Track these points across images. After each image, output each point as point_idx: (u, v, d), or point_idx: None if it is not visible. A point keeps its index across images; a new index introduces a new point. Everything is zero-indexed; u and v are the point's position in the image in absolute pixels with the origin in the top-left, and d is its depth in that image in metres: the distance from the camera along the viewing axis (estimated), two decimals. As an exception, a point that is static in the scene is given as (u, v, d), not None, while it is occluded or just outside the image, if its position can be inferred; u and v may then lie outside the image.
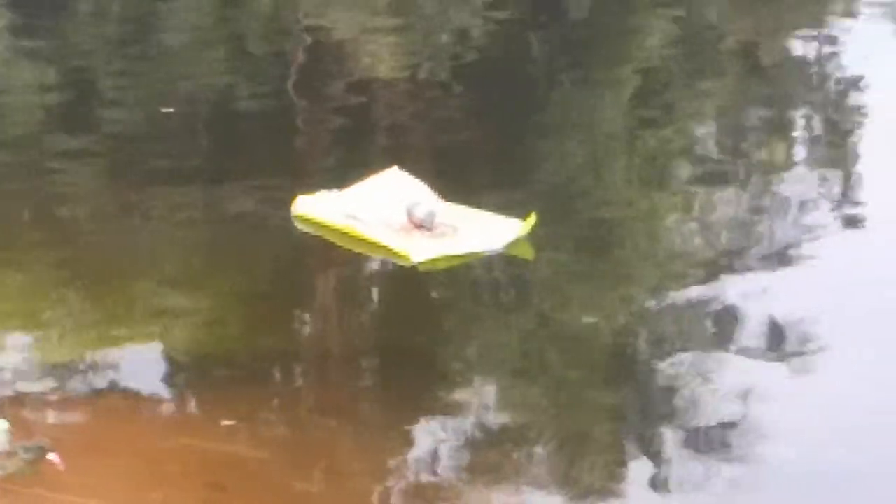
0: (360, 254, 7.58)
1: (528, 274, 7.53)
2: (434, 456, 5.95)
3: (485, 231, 7.52)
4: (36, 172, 8.43)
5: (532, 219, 7.49)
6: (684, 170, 9.04)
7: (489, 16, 11.58)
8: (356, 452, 5.98)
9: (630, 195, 8.61)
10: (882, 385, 6.43)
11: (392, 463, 5.93)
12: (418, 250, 7.31)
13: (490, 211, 7.71)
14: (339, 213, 7.58)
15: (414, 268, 7.27)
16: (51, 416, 6.03)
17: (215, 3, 11.71)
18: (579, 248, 7.72)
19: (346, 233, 7.53)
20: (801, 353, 6.82)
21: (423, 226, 7.49)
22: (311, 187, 7.85)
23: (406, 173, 7.80)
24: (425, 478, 5.83)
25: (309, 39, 11.10)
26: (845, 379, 6.56)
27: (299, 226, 7.63)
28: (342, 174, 8.05)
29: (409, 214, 7.52)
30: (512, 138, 9.11)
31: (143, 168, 8.52)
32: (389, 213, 7.53)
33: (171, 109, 9.31)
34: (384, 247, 7.40)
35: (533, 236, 7.51)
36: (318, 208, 7.65)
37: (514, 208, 7.71)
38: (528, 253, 7.50)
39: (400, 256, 7.34)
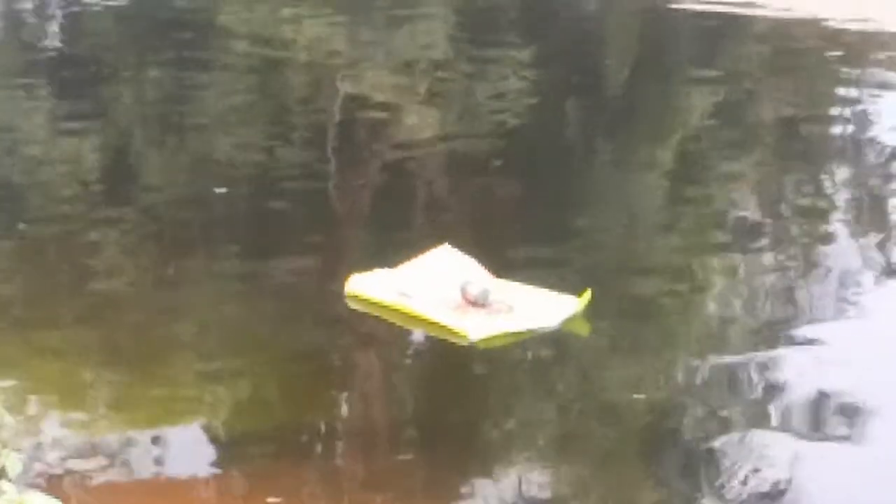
0: (407, 330, 7.56)
1: (573, 348, 7.52)
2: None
3: (540, 308, 7.48)
4: (77, 248, 8.48)
5: (587, 295, 7.45)
6: (726, 242, 9.03)
7: (526, 79, 11.71)
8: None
9: (672, 269, 8.58)
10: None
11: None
12: (475, 328, 7.27)
13: (540, 286, 7.67)
14: (393, 291, 7.54)
15: (472, 346, 7.25)
16: (96, 494, 6.04)
17: (253, 76, 11.93)
18: (623, 322, 7.70)
19: (400, 311, 7.49)
20: (850, 424, 6.81)
21: (477, 303, 7.45)
22: (356, 263, 7.85)
23: (457, 251, 7.77)
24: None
25: (346, 110, 11.14)
26: (888, 442, 6.59)
27: (352, 305, 7.60)
28: (387, 250, 8.07)
29: (464, 292, 7.48)
30: (553, 212, 9.11)
31: (184, 246, 8.55)
32: (443, 291, 7.49)
33: (224, 189, 9.32)
34: (441, 325, 7.36)
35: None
36: (371, 287, 7.60)
37: (560, 283, 7.71)
38: (583, 329, 7.49)
39: (457, 335, 7.28)
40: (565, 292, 7.63)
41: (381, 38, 12.86)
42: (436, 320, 7.42)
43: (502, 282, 7.69)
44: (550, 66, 12.19)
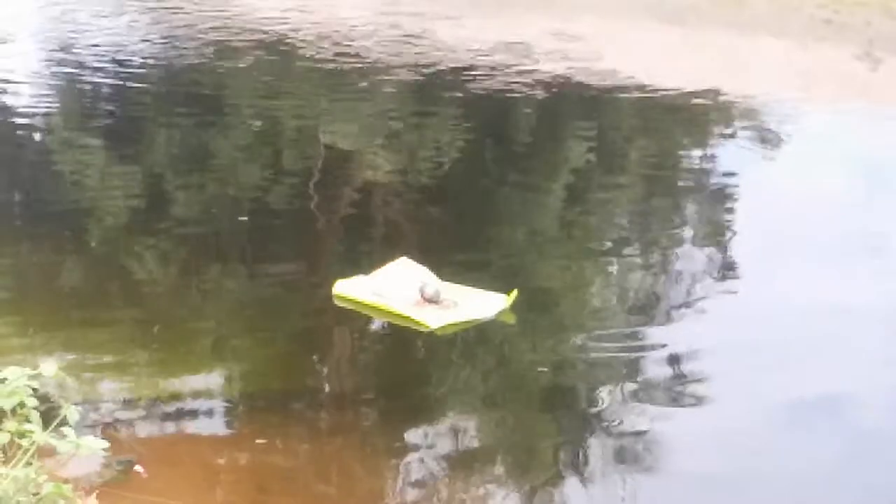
0: (381, 320, 7.43)
1: (502, 333, 7.39)
2: (419, 464, 5.91)
3: (480, 304, 7.40)
4: (124, 254, 8.34)
5: (514, 293, 7.41)
6: (604, 250, 8.99)
7: (454, 134, 11.60)
8: (360, 461, 5.93)
9: (564, 271, 8.54)
10: (754, 402, 6.55)
11: (386, 468, 5.90)
12: (433, 319, 7.21)
13: (473, 286, 7.59)
14: (369, 292, 7.44)
15: (432, 332, 7.18)
16: (137, 437, 5.97)
17: (257, 128, 11.77)
18: (530, 312, 7.59)
19: (375, 307, 7.39)
20: (693, 383, 6.81)
21: (432, 301, 7.37)
22: (339, 272, 7.70)
23: (413, 262, 7.71)
24: (411, 477, 5.81)
25: (325, 154, 11.05)
26: (727, 403, 6.58)
27: (338, 303, 7.47)
28: (361, 262, 7.94)
29: (421, 292, 7.40)
30: (479, 232, 9.08)
31: (207, 257, 8.39)
32: (406, 292, 7.40)
33: (246, 218, 9.14)
34: (407, 317, 7.27)
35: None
36: (351, 289, 7.50)
37: (486, 284, 7.64)
38: (511, 319, 7.41)
39: (420, 324, 7.22)
40: (493, 290, 7.54)
41: (351, 105, 12.78)
42: (403, 313, 7.32)
43: (448, 284, 7.59)
44: (474, 123, 12.16)
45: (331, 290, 7.53)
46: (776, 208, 9.68)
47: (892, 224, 9.37)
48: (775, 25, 17.13)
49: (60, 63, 13.77)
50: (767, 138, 12.06)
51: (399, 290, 7.45)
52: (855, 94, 13.86)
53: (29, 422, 3.86)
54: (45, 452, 3.99)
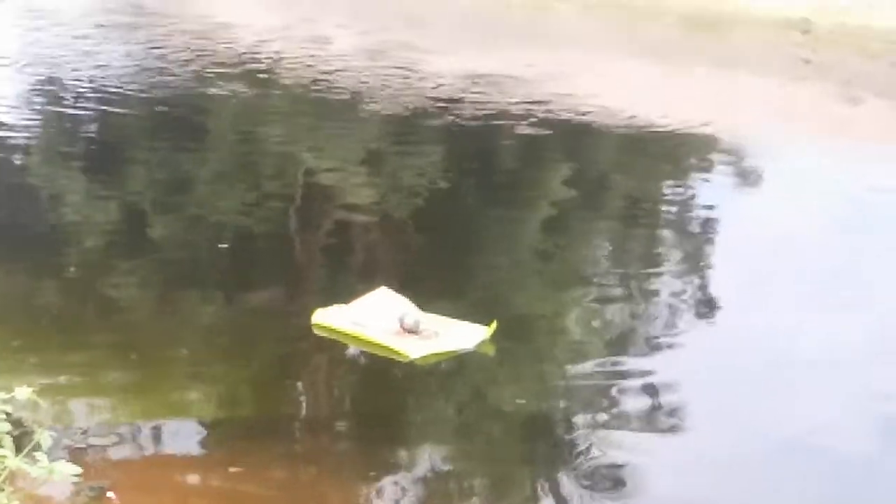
0: (360, 349, 7.39)
1: (481, 364, 7.36)
2: (396, 495, 5.85)
3: (459, 334, 7.38)
4: (101, 283, 8.25)
5: (494, 325, 7.39)
6: (585, 281, 8.93)
7: (436, 165, 11.62)
8: (336, 490, 5.88)
9: (545, 302, 8.49)
10: (735, 435, 6.54)
11: (362, 499, 5.85)
12: (413, 350, 7.18)
13: (454, 317, 7.56)
14: (348, 322, 7.40)
15: (411, 362, 7.14)
16: (110, 463, 5.91)
17: (237, 152, 11.75)
18: (510, 343, 7.53)
19: (354, 336, 7.35)
20: (674, 415, 6.76)
21: (412, 331, 7.33)
22: (318, 301, 7.66)
23: (392, 291, 7.69)
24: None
25: (306, 183, 11.01)
26: (708, 434, 6.56)
27: (317, 332, 7.42)
28: (341, 291, 7.87)
29: (401, 322, 7.36)
30: (458, 261, 9.03)
31: (184, 282, 8.31)
32: (386, 322, 7.36)
33: (226, 245, 9.10)
34: (387, 347, 7.23)
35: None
36: (331, 318, 7.46)
37: (466, 314, 7.60)
38: (491, 350, 7.38)
39: (400, 354, 7.18)
40: (473, 321, 7.51)
41: (333, 134, 12.77)
42: (383, 343, 7.28)
43: (429, 314, 7.55)
44: (456, 154, 12.17)
45: (310, 320, 7.48)
46: (756, 242, 9.71)
47: (871, 258, 9.41)
48: (756, 64, 17.33)
49: (40, 90, 13.75)
50: (748, 173, 12.12)
51: (379, 319, 7.41)
52: (834, 131, 13.98)
53: (1, 447, 3.81)
54: (18, 478, 3.93)
